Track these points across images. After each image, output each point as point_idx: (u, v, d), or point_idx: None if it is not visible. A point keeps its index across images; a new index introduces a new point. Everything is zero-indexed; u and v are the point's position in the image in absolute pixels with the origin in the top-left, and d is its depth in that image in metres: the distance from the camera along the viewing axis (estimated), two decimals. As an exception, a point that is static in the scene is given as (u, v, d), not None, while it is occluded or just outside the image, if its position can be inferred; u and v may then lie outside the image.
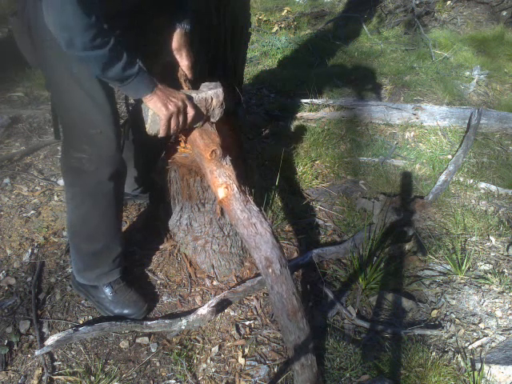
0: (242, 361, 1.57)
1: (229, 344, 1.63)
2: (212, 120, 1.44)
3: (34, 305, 1.66)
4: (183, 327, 1.63)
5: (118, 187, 1.51)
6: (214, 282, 1.85)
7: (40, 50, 1.27)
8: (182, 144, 1.67)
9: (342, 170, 2.68)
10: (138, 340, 1.61)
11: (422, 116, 3.17)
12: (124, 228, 2.00)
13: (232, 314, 1.74)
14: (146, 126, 1.30)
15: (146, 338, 1.61)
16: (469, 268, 2.00)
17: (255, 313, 1.75)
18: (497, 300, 1.85)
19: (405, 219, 2.24)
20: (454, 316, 1.79)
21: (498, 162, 2.80)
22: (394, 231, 2.18)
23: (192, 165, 1.65)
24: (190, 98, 1.32)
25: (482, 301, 1.85)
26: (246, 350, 1.60)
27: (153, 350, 1.58)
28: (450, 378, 1.53)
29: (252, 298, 1.80)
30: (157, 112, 1.25)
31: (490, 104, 3.57)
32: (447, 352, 1.64)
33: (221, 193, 1.37)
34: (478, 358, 1.60)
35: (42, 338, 1.56)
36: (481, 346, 1.66)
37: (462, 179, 2.59)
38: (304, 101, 3.41)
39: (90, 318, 1.67)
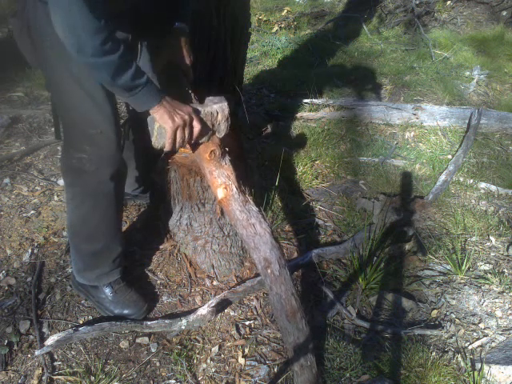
0: (241, 361, 1.57)
1: (229, 344, 1.63)
2: (218, 135, 1.39)
3: (34, 305, 1.66)
4: (183, 327, 1.63)
5: (118, 187, 1.51)
6: (214, 282, 1.85)
7: (40, 50, 1.27)
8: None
9: (342, 170, 2.68)
10: (138, 340, 1.61)
11: (422, 116, 3.17)
12: (124, 228, 2.00)
13: (232, 313, 1.74)
14: (152, 139, 1.26)
15: (146, 338, 1.61)
16: (469, 268, 2.00)
17: (255, 313, 1.75)
18: (497, 300, 1.85)
19: (405, 219, 2.24)
20: (454, 316, 1.79)
21: (498, 162, 2.80)
22: (394, 231, 2.18)
23: (192, 165, 1.65)
24: (197, 112, 1.29)
25: (482, 301, 1.85)
26: (246, 350, 1.60)
27: (153, 350, 1.58)
28: (450, 377, 1.53)
29: (252, 297, 1.80)
30: (163, 124, 1.21)
31: (489, 104, 3.57)
32: (447, 352, 1.64)
33: (220, 193, 1.37)
34: (478, 358, 1.60)
35: (42, 338, 1.56)
36: (481, 346, 1.66)
37: (461, 179, 2.59)
38: (304, 101, 3.41)
39: (90, 318, 1.67)
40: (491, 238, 2.18)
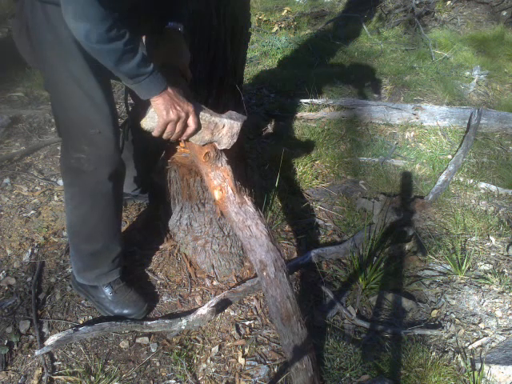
0: (241, 361, 1.57)
1: (229, 344, 1.63)
2: (218, 147, 1.40)
3: (34, 305, 1.66)
4: (183, 327, 1.63)
5: (117, 187, 1.50)
6: (214, 282, 1.85)
7: (39, 50, 1.27)
8: (182, 144, 1.66)
9: (342, 170, 2.68)
10: (138, 340, 1.61)
11: (422, 116, 3.17)
12: (124, 228, 2.00)
13: (232, 313, 1.74)
14: (143, 118, 1.29)
15: (146, 338, 1.61)
16: (469, 268, 2.00)
17: (255, 313, 1.75)
18: (497, 300, 1.85)
19: (405, 219, 2.24)
20: (454, 316, 1.79)
21: (498, 162, 2.80)
22: (394, 231, 2.18)
23: (192, 165, 1.65)
24: (198, 114, 1.31)
25: (482, 301, 1.85)
26: (246, 350, 1.60)
27: (153, 350, 1.58)
28: (450, 377, 1.53)
29: (252, 298, 1.80)
30: (157, 114, 1.24)
31: (490, 104, 3.56)
32: (447, 352, 1.64)
33: (216, 195, 1.37)
34: (478, 358, 1.60)
35: (42, 338, 1.56)
36: (481, 346, 1.66)
37: (461, 179, 2.59)
38: (304, 101, 3.41)
39: (90, 318, 1.67)
40: (491, 237, 2.18)
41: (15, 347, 1.54)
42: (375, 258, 1.94)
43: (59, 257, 1.88)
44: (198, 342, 1.63)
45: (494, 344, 1.66)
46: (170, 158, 1.73)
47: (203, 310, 1.65)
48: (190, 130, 1.30)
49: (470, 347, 1.66)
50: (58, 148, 2.54)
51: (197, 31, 1.76)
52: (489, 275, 1.96)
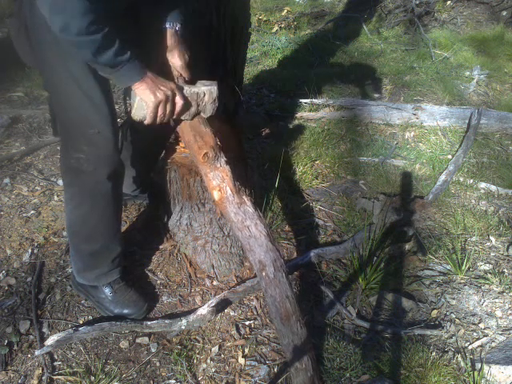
0: (241, 361, 1.57)
1: (229, 344, 1.63)
2: (203, 115, 1.44)
3: (34, 305, 1.66)
4: (183, 327, 1.63)
5: (116, 187, 1.51)
6: (214, 282, 1.85)
7: (38, 50, 1.27)
8: (182, 144, 1.67)
9: (342, 170, 2.68)
10: (138, 340, 1.61)
11: (422, 116, 3.17)
12: (124, 228, 2.00)
13: (232, 313, 1.74)
14: (132, 110, 1.30)
15: (146, 338, 1.61)
16: (469, 268, 2.00)
17: (255, 313, 1.75)
18: (497, 300, 1.85)
19: (405, 219, 2.24)
20: (454, 316, 1.79)
21: (498, 162, 2.80)
22: (394, 231, 2.18)
23: (192, 165, 1.65)
24: (181, 89, 1.33)
25: (482, 301, 1.85)
26: (246, 350, 1.60)
27: (153, 350, 1.58)
28: (450, 377, 1.53)
29: (252, 298, 1.80)
30: (145, 99, 1.25)
31: (490, 104, 3.56)
32: (447, 352, 1.63)
33: (215, 195, 1.37)
34: (478, 358, 1.60)
35: (42, 338, 1.56)
36: (481, 345, 1.66)
37: (462, 179, 2.59)
38: (304, 101, 3.41)
39: (90, 318, 1.67)
40: (491, 237, 2.18)
41: (15, 347, 1.54)
42: (375, 258, 1.93)
43: (59, 257, 1.88)
44: (198, 342, 1.63)
45: (493, 344, 1.66)
46: (170, 158, 1.73)
47: (203, 310, 1.65)
48: (179, 105, 1.32)
49: (470, 347, 1.66)
50: (58, 148, 2.54)
51: (197, 31, 1.76)
52: (489, 275, 1.96)
